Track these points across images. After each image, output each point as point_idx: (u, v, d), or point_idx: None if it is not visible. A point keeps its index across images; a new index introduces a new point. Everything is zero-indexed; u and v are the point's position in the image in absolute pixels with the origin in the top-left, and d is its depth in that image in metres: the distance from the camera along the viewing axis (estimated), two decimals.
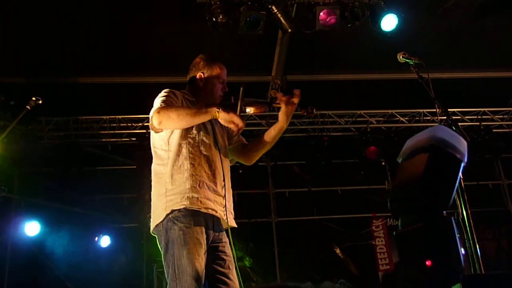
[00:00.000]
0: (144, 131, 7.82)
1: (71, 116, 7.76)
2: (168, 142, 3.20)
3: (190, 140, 3.19)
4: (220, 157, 3.30)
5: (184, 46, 6.78)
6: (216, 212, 3.12)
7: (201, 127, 3.25)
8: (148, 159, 7.85)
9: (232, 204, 3.31)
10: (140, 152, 7.66)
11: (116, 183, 8.20)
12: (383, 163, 8.35)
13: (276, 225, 8.55)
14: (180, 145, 3.17)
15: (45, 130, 7.72)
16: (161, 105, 3.08)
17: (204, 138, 3.26)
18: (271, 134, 3.42)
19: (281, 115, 3.31)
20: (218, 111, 3.02)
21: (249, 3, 5.89)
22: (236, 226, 3.27)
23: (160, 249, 3.09)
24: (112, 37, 6.53)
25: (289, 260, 8.16)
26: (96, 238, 7.79)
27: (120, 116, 7.90)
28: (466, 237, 3.23)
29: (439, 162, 0.60)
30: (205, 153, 3.21)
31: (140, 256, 7.58)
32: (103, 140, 7.96)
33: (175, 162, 3.14)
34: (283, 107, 3.26)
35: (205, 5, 5.81)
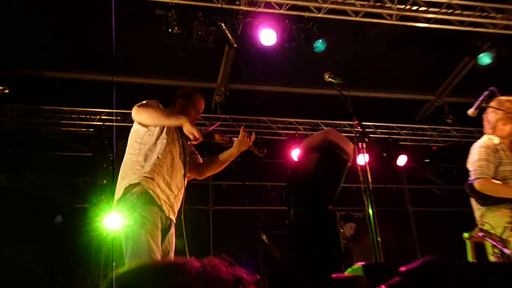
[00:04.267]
0: (101, 123, 7.74)
1: (35, 105, 7.53)
2: (142, 137, 3.31)
3: (165, 141, 3.30)
4: (184, 165, 3.44)
5: (143, 50, 6.74)
6: (159, 199, 3.20)
7: (175, 138, 3.40)
8: (103, 148, 7.74)
9: (178, 205, 3.41)
10: (96, 141, 7.60)
11: (72, 168, 8.02)
12: None
13: (213, 213, 8.60)
14: (155, 144, 3.28)
15: (9, 116, 7.46)
16: (141, 103, 3.28)
17: (176, 145, 3.39)
18: (223, 158, 3.66)
19: (237, 144, 3.55)
20: (185, 121, 3.18)
21: (202, 18, 5.91)
22: (174, 220, 3.37)
23: (121, 226, 3.15)
24: (79, 38, 6.42)
25: (222, 244, 8.20)
26: (52, 216, 7.62)
27: (80, 109, 7.75)
28: (371, 231, 3.34)
29: (328, 161, 0.62)
30: (172, 153, 3.34)
31: (90, 234, 7.43)
32: (63, 129, 7.79)
33: (147, 155, 3.25)
34: (241, 139, 3.52)
35: (162, 17, 5.79)
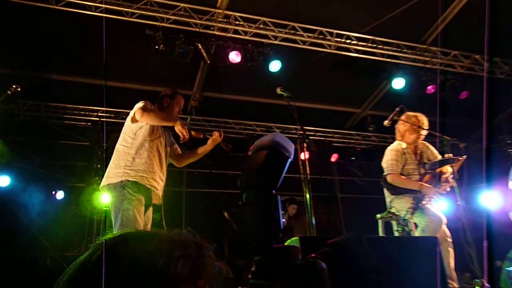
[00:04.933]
0: (97, 119, 7.53)
1: (43, 101, 7.28)
2: (135, 133, 3.27)
3: (153, 138, 3.28)
4: (166, 156, 3.44)
5: (134, 61, 6.60)
6: (157, 189, 3.26)
7: (161, 135, 3.40)
8: (98, 139, 7.53)
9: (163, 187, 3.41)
10: (93, 134, 7.41)
11: (72, 154, 7.80)
12: None
13: (186, 194, 8.52)
14: (145, 140, 3.24)
15: (22, 110, 7.17)
16: (144, 107, 3.23)
17: (162, 141, 3.39)
18: (199, 152, 3.67)
19: (210, 142, 3.61)
20: (178, 123, 3.23)
21: (183, 39, 5.84)
22: (161, 203, 3.38)
23: (110, 203, 3.11)
24: (82, 49, 6.20)
25: (192, 219, 8.13)
26: (54, 192, 7.38)
27: (81, 106, 7.51)
28: (307, 212, 3.38)
29: (274, 157, 0.64)
30: (159, 150, 3.33)
31: (86, 208, 7.26)
32: (66, 122, 7.55)
33: (138, 150, 3.20)
34: (214, 137, 3.58)
35: (151, 36, 5.69)
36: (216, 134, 3.60)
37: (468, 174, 3.76)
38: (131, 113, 3.28)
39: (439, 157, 4.06)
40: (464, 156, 3.77)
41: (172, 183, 8.44)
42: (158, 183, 3.22)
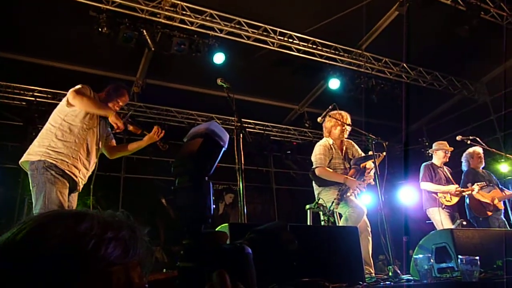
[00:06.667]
0: (33, 99, 7.06)
1: None
2: (66, 114, 3.07)
3: (85, 126, 3.09)
4: (96, 147, 3.24)
5: (76, 43, 6.27)
6: (76, 177, 3.06)
7: (97, 125, 3.19)
8: (33, 119, 7.09)
9: (89, 174, 3.23)
10: (27, 113, 6.93)
11: (4, 134, 7.24)
12: None
13: (124, 179, 8.26)
14: (75, 126, 3.06)
15: None
16: (79, 90, 3.03)
17: (95, 130, 3.19)
18: (133, 147, 3.54)
19: (147, 138, 3.41)
20: (111, 113, 3.09)
21: (127, 24, 5.63)
22: (80, 191, 3.20)
23: (31, 182, 2.90)
24: (18, 25, 5.77)
25: (130, 205, 7.92)
26: None
27: (14, 84, 7.00)
28: (240, 200, 3.42)
29: (208, 145, 0.66)
30: (88, 139, 3.14)
31: (16, 189, 6.81)
32: None
33: (65, 133, 3.02)
34: (152, 135, 3.39)
35: (95, 18, 5.43)
36: (153, 132, 3.40)
37: (389, 171, 4.01)
38: (67, 95, 3.11)
39: (363, 154, 4.29)
40: (384, 153, 4.00)
41: (110, 169, 8.22)
42: (80, 171, 3.03)
